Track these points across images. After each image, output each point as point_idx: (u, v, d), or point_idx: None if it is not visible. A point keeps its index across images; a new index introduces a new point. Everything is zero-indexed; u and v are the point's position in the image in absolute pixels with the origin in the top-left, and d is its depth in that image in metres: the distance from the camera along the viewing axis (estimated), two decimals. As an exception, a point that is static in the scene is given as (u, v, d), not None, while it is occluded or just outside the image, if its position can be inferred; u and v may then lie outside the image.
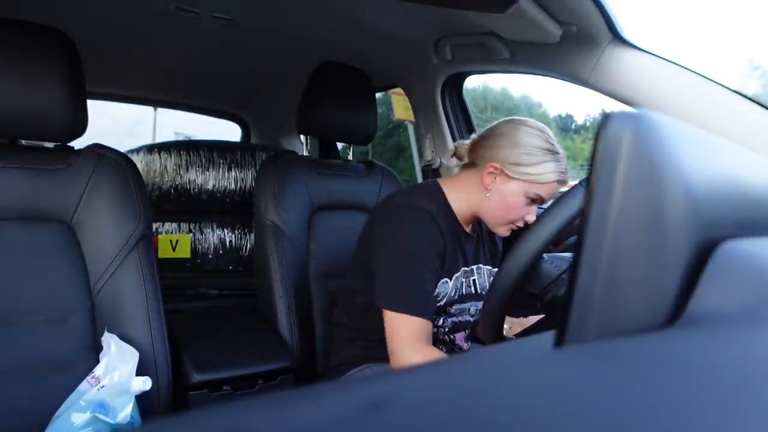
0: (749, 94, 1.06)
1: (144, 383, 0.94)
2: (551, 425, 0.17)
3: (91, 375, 0.94)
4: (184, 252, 2.00)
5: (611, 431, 0.17)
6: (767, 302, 0.26)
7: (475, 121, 1.80)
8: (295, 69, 1.83)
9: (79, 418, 0.89)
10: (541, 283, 0.86)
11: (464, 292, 1.16)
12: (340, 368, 1.18)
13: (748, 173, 0.36)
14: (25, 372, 0.95)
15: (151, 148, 2.06)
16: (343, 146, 1.85)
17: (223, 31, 1.58)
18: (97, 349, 1.00)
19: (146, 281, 1.07)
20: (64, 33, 1.02)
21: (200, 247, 2.03)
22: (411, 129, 3.51)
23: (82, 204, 1.06)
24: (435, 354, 1.02)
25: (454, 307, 1.16)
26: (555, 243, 1.28)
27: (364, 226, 1.19)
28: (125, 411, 0.91)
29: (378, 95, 1.89)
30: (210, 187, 2.07)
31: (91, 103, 1.13)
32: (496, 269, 1.17)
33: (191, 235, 2.02)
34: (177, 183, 2.03)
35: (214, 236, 2.05)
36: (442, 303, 1.12)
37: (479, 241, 1.22)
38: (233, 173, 2.09)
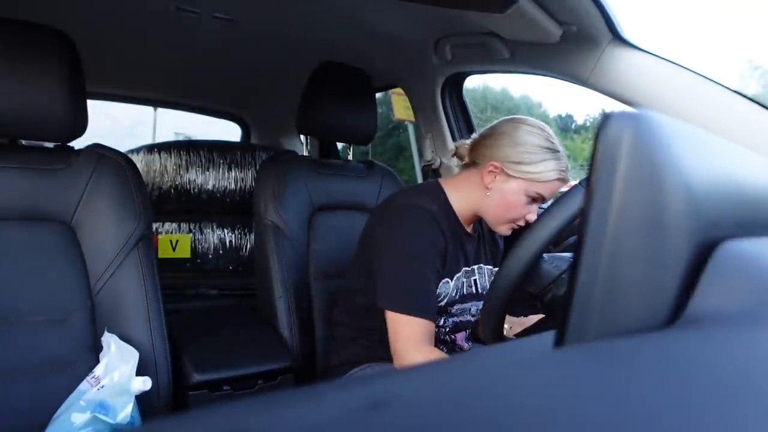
0: (749, 94, 1.05)
1: (144, 383, 0.94)
2: (551, 425, 0.17)
3: (91, 375, 0.94)
4: (184, 252, 2.00)
5: (611, 431, 0.17)
6: (767, 302, 0.26)
7: (475, 121, 1.80)
8: (295, 69, 1.83)
9: (79, 418, 0.89)
10: (541, 283, 0.85)
11: (465, 292, 1.16)
12: (341, 368, 1.18)
13: (748, 173, 0.36)
14: (25, 372, 0.95)
15: (151, 148, 2.06)
16: (343, 146, 1.86)
17: (223, 31, 1.58)
18: (97, 349, 1.00)
19: (146, 281, 1.07)
20: (64, 33, 1.02)
21: (200, 247, 2.03)
22: (411, 129, 3.51)
23: (82, 204, 1.06)
24: (438, 356, 1.02)
25: (455, 307, 1.16)
26: (555, 243, 1.28)
27: (364, 226, 1.19)
28: (125, 411, 0.91)
29: (378, 95, 1.89)
30: (210, 187, 2.07)
31: (91, 103, 1.13)
32: (497, 269, 1.17)
33: (191, 235, 2.02)
34: (177, 183, 2.03)
35: (214, 236, 2.05)
36: (443, 303, 1.12)
37: (480, 240, 1.22)
38: (233, 173, 2.09)
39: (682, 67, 1.10)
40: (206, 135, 4.21)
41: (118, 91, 2.29)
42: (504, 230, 1.13)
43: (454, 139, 1.74)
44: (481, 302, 1.17)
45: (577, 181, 0.86)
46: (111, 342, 0.97)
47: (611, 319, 0.25)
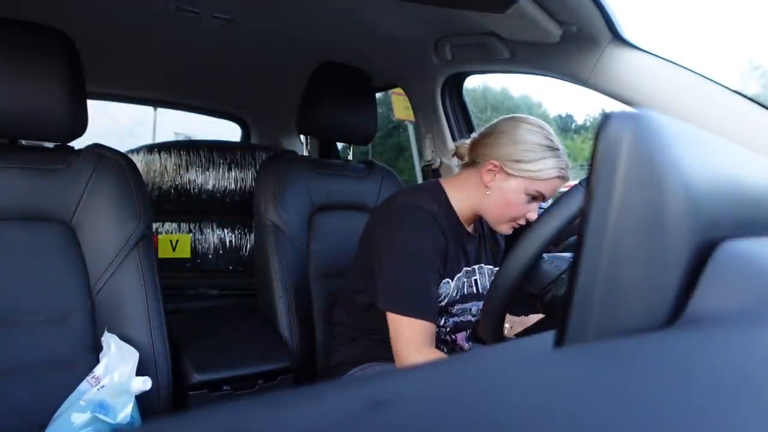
0: (749, 94, 1.05)
1: (144, 383, 0.94)
2: (551, 425, 0.17)
3: (91, 375, 0.94)
4: (184, 252, 2.00)
5: (611, 431, 0.17)
6: (767, 302, 0.26)
7: (475, 121, 1.80)
8: (295, 69, 1.83)
9: (79, 418, 0.89)
10: (541, 283, 0.85)
11: (466, 292, 1.16)
12: (341, 367, 1.18)
13: (748, 173, 0.36)
14: (25, 372, 0.95)
15: (151, 148, 2.06)
16: (343, 146, 1.86)
17: (223, 31, 1.58)
18: (97, 349, 1.00)
19: (146, 281, 1.07)
20: (64, 33, 1.02)
21: (200, 247, 2.03)
22: (411, 129, 3.51)
23: (82, 204, 1.06)
24: (439, 357, 1.02)
25: (456, 307, 1.16)
26: (555, 243, 1.28)
27: (365, 226, 1.19)
28: (125, 411, 0.91)
29: (378, 95, 1.89)
30: (210, 187, 2.07)
31: (91, 103, 1.13)
32: (497, 268, 1.17)
33: (191, 235, 2.02)
34: (177, 183, 2.03)
35: (214, 236, 2.05)
36: (443, 303, 1.12)
37: (481, 240, 1.21)
38: (233, 173, 2.09)
39: (682, 67, 1.10)
40: (206, 135, 4.21)
41: (118, 91, 2.29)
42: (504, 229, 1.13)
43: (454, 139, 1.74)
44: (482, 302, 1.17)
45: (577, 181, 0.86)
46: (111, 342, 0.97)
47: (611, 319, 0.25)
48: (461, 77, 1.75)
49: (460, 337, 1.21)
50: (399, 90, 1.96)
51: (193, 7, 1.41)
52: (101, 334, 1.00)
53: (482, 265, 1.20)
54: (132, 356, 0.95)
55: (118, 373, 0.93)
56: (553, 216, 0.76)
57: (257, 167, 2.10)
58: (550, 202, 1.17)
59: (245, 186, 2.10)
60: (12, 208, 1.01)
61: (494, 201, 1.09)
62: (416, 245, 1.05)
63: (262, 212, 1.39)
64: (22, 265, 0.99)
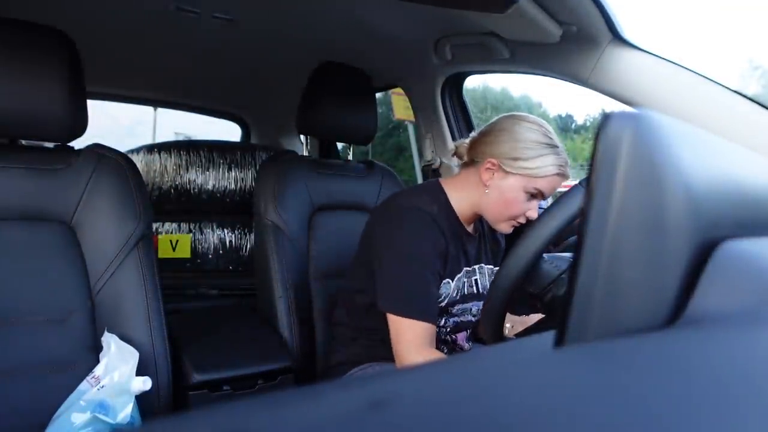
0: (749, 94, 1.05)
1: (144, 383, 0.94)
2: (551, 425, 0.17)
3: (91, 375, 0.94)
4: (184, 252, 2.00)
5: (611, 431, 0.17)
6: (767, 302, 0.26)
7: (475, 121, 1.80)
8: (295, 69, 1.83)
9: (79, 418, 0.89)
10: (541, 283, 0.85)
11: (466, 292, 1.16)
12: (341, 367, 1.18)
13: (748, 173, 0.36)
14: (25, 372, 0.95)
15: (151, 148, 2.06)
16: (343, 146, 1.85)
17: (223, 31, 1.58)
18: (97, 349, 1.00)
19: (146, 281, 1.07)
20: (64, 33, 1.02)
21: (200, 247, 2.03)
22: (411, 129, 3.51)
23: (82, 204, 1.06)
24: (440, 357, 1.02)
25: (456, 307, 1.16)
26: (555, 243, 1.28)
27: (365, 226, 1.19)
28: (125, 411, 0.91)
29: (378, 95, 1.89)
30: (210, 187, 2.07)
31: (91, 103, 1.13)
32: (498, 268, 1.17)
33: (191, 235, 2.02)
34: (177, 183, 2.03)
35: (214, 236, 2.05)
36: (444, 303, 1.12)
37: (481, 240, 1.21)
38: (233, 173, 2.09)
39: (682, 67, 1.10)
40: (206, 135, 4.22)
41: (118, 91, 2.29)
42: (504, 228, 1.13)
43: (454, 139, 1.74)
44: (482, 302, 1.17)
45: (577, 181, 0.86)
46: (111, 342, 0.97)
47: (611, 319, 0.25)
48: (461, 77, 1.74)
49: (461, 337, 1.21)
50: (399, 90, 1.96)
51: (193, 7, 1.41)
52: (101, 334, 1.00)
53: (482, 264, 1.20)
54: (132, 356, 0.95)
55: (118, 373, 0.93)
56: (553, 216, 0.76)
57: (257, 167, 2.10)
58: (550, 201, 1.17)
59: (245, 186, 2.10)
60: (12, 208, 1.01)
61: (493, 199, 1.09)
62: (416, 247, 1.05)
63: (262, 212, 1.39)
64: (22, 265, 0.99)
